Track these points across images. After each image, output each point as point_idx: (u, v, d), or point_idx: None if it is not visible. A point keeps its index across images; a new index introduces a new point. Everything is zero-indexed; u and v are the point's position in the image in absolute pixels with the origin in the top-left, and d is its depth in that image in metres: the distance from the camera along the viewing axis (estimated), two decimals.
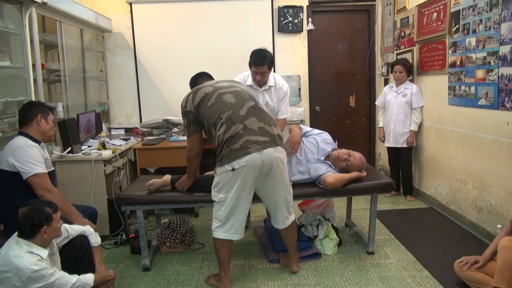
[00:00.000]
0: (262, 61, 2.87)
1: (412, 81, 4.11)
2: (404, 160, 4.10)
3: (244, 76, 3.15)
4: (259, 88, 3.05)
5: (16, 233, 1.92)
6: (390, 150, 4.20)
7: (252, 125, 2.29)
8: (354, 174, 2.78)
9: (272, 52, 4.89)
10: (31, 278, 1.80)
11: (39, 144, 2.38)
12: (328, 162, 2.87)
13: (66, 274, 1.95)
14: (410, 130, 3.97)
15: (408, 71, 3.99)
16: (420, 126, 4.02)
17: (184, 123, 2.47)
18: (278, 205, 2.46)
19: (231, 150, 2.25)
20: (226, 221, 2.34)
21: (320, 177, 2.74)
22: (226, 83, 2.52)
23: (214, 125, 2.34)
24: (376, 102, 4.35)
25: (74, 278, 1.96)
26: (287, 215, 2.51)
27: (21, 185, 2.26)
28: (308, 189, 2.76)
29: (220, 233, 2.37)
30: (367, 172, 2.90)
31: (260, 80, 2.97)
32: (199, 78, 2.72)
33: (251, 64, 2.94)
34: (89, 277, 2.04)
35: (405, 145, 4.02)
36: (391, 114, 4.07)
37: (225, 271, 2.46)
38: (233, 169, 2.24)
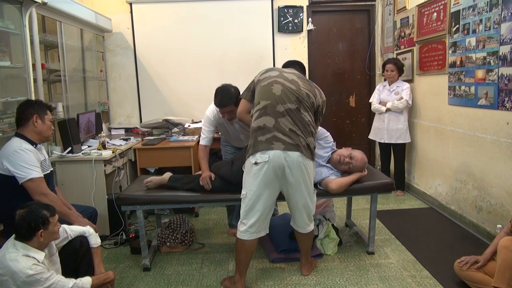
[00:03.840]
0: (227, 102, 2.77)
1: (411, 80, 4.14)
2: (398, 156, 4.23)
3: (216, 110, 2.98)
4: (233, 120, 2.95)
5: (14, 235, 1.90)
6: (384, 146, 4.30)
7: (284, 125, 2.26)
8: (355, 176, 2.76)
9: (272, 52, 4.91)
10: (26, 283, 1.79)
11: (36, 146, 2.35)
12: (329, 165, 2.84)
13: (62, 278, 1.92)
14: (386, 108, 4.10)
15: (399, 70, 4.09)
16: (420, 126, 4.05)
17: (245, 90, 2.56)
18: (298, 210, 2.43)
19: (257, 141, 2.27)
20: (246, 219, 2.33)
21: (322, 180, 2.72)
22: (293, 76, 2.43)
23: (254, 106, 2.39)
24: (370, 100, 4.38)
25: (70, 282, 1.93)
26: (307, 221, 2.48)
27: (20, 187, 2.25)
28: None
29: (240, 233, 2.36)
30: (367, 172, 2.89)
31: (230, 117, 2.87)
32: (290, 66, 2.72)
33: (217, 106, 2.86)
34: (86, 281, 2.02)
35: (399, 141, 4.13)
36: (385, 111, 4.16)
37: (240, 274, 2.43)
38: (255, 163, 2.24)
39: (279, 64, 4.86)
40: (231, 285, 2.47)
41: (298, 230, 2.51)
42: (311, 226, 2.53)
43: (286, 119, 2.27)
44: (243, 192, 2.35)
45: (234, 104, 2.73)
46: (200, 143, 3.04)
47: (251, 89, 2.49)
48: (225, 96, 2.77)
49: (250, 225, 2.32)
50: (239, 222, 2.38)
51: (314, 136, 2.39)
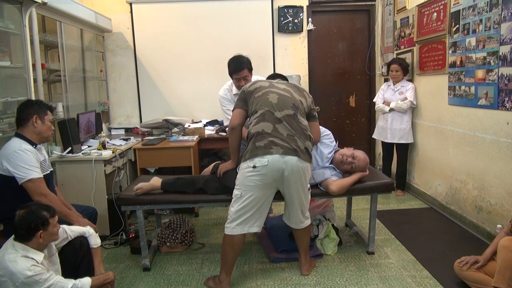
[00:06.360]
0: (240, 66, 2.90)
1: (411, 80, 4.15)
2: (400, 155, 4.24)
3: (227, 87, 3.11)
4: None
5: (13, 235, 1.90)
6: (387, 145, 4.31)
7: (282, 130, 2.31)
8: (356, 177, 2.76)
9: (272, 52, 4.91)
10: (25, 284, 1.79)
11: (35, 146, 2.34)
12: (332, 166, 2.83)
13: (61, 279, 1.92)
14: (390, 107, 4.11)
15: (404, 70, 4.09)
16: (420, 126, 4.05)
17: (237, 100, 2.57)
18: (293, 208, 2.47)
19: (255, 147, 2.29)
20: (237, 217, 2.33)
21: (323, 181, 2.72)
22: (285, 85, 2.53)
23: (251, 116, 2.43)
24: (374, 100, 4.40)
25: (70, 283, 1.93)
26: (301, 219, 2.51)
27: (20, 188, 2.24)
28: None
29: (229, 229, 2.36)
30: (368, 172, 2.88)
31: (245, 85, 2.88)
32: (272, 78, 2.84)
33: (232, 73, 2.96)
34: (85, 282, 2.01)
35: (401, 141, 4.14)
36: (388, 111, 4.17)
37: (226, 273, 2.43)
38: (254, 167, 2.26)
39: (278, 64, 4.91)
40: (215, 285, 2.45)
41: (291, 226, 2.55)
42: (306, 223, 2.54)
43: (284, 125, 2.32)
44: (236, 192, 2.34)
45: (248, 69, 2.92)
46: (226, 123, 3.08)
47: (241, 98, 2.52)
48: (238, 61, 2.89)
49: (242, 221, 2.33)
50: (228, 220, 2.37)
51: (311, 140, 2.43)
